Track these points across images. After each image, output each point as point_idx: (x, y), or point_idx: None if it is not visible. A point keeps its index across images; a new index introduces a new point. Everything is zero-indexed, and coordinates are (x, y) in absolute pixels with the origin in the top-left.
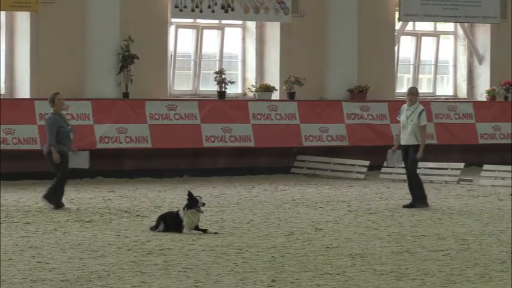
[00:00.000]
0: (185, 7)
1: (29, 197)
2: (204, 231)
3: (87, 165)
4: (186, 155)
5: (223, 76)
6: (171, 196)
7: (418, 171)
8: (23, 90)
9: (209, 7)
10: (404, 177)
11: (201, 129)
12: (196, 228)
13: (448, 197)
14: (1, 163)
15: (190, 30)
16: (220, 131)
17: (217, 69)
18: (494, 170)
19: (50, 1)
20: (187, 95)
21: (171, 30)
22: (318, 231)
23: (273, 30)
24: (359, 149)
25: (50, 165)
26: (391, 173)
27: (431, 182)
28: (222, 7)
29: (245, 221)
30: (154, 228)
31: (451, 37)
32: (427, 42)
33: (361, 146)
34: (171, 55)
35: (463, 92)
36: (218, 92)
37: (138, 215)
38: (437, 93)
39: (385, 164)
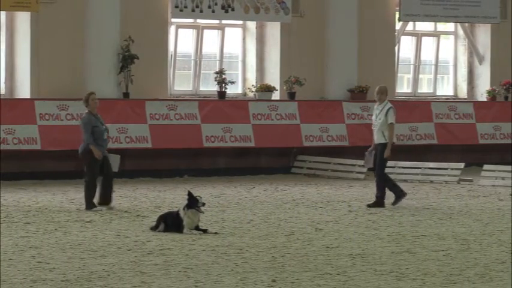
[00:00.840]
0: (185, 7)
1: (29, 197)
2: (204, 231)
3: (117, 168)
4: (186, 155)
5: (224, 76)
6: (171, 196)
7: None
8: (23, 90)
9: (209, 7)
10: (405, 177)
11: (201, 129)
12: (197, 228)
13: (448, 197)
14: (1, 163)
15: (190, 30)
16: (221, 131)
17: (217, 69)
18: (494, 170)
19: (50, 1)
20: (188, 95)
21: (171, 30)
22: (318, 231)
23: (273, 30)
24: (359, 149)
25: (84, 164)
26: (391, 173)
27: (431, 182)
28: (222, 7)
29: (245, 221)
30: (154, 228)
31: (451, 37)
32: (427, 42)
33: (361, 146)
34: (172, 55)
35: (463, 92)
36: (218, 92)
37: (138, 215)
38: (437, 93)
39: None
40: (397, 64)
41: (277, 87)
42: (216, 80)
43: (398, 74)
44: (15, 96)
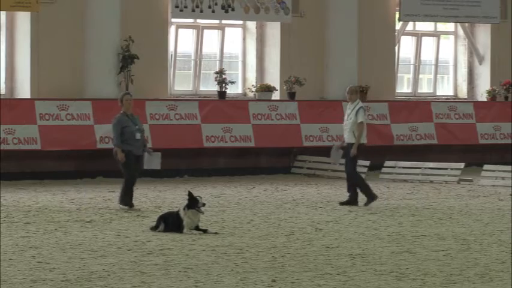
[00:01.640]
0: (185, 7)
1: (29, 197)
2: (205, 231)
3: (159, 166)
4: (186, 155)
5: (224, 76)
6: (171, 196)
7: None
8: (23, 90)
9: (209, 7)
10: (405, 177)
11: (202, 129)
12: (197, 228)
13: (449, 197)
14: (1, 163)
15: (190, 30)
16: (221, 131)
17: (217, 69)
18: (494, 170)
19: (50, 1)
20: (188, 95)
21: (172, 30)
22: (318, 231)
23: (273, 30)
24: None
25: (119, 165)
26: (391, 173)
27: (431, 182)
28: (223, 7)
29: (245, 221)
30: (154, 228)
31: (451, 37)
32: (427, 42)
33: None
34: (172, 55)
35: (463, 92)
36: (218, 92)
37: (138, 215)
38: (437, 93)
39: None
40: (397, 64)
41: (277, 87)
42: (216, 80)
43: (398, 74)
44: (15, 96)
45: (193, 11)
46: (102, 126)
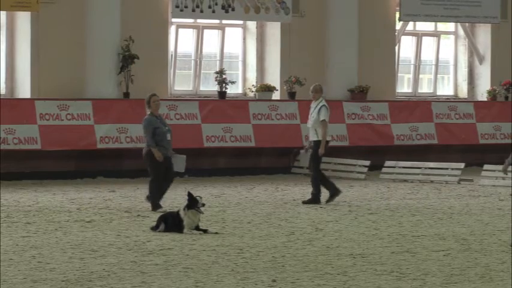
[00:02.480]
0: (186, 7)
1: (29, 197)
2: (205, 231)
3: (183, 169)
4: (186, 155)
5: (224, 76)
6: (171, 196)
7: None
8: (23, 90)
9: (210, 7)
10: (405, 177)
11: (202, 129)
12: (197, 228)
13: (449, 197)
14: (1, 163)
15: (190, 30)
16: (221, 131)
17: (217, 69)
18: (494, 170)
19: (50, 1)
20: (188, 95)
21: (172, 30)
22: (318, 231)
23: (274, 30)
24: (359, 148)
25: (147, 166)
26: (391, 173)
27: (431, 182)
28: (223, 7)
29: (246, 221)
30: (154, 229)
31: (452, 37)
32: (428, 42)
33: (361, 145)
34: (172, 55)
35: (463, 92)
36: (219, 92)
37: (138, 215)
38: (437, 93)
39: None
40: (397, 64)
41: (278, 87)
42: (216, 80)
43: (399, 74)
44: (15, 96)
45: (193, 11)
46: (102, 126)
